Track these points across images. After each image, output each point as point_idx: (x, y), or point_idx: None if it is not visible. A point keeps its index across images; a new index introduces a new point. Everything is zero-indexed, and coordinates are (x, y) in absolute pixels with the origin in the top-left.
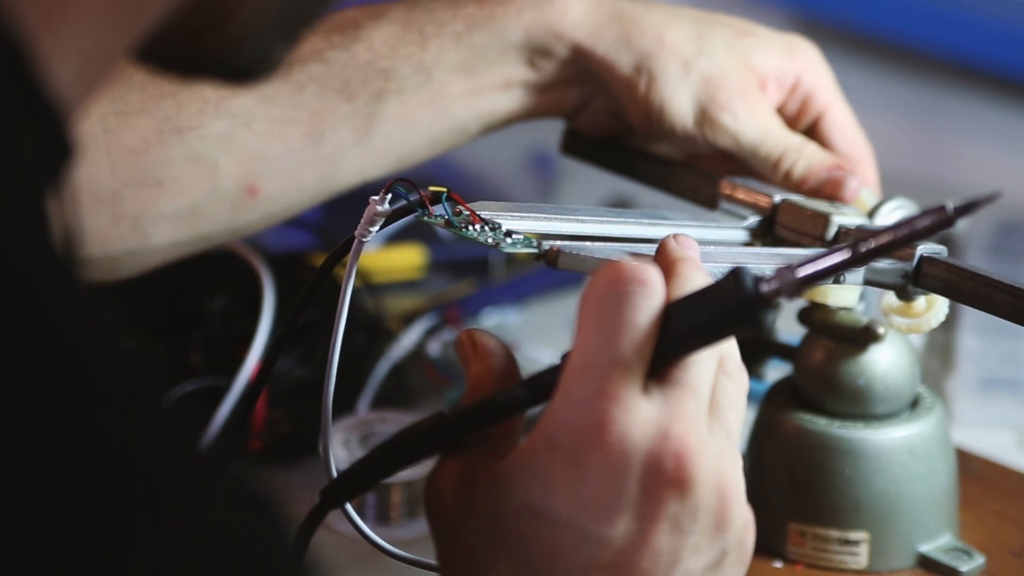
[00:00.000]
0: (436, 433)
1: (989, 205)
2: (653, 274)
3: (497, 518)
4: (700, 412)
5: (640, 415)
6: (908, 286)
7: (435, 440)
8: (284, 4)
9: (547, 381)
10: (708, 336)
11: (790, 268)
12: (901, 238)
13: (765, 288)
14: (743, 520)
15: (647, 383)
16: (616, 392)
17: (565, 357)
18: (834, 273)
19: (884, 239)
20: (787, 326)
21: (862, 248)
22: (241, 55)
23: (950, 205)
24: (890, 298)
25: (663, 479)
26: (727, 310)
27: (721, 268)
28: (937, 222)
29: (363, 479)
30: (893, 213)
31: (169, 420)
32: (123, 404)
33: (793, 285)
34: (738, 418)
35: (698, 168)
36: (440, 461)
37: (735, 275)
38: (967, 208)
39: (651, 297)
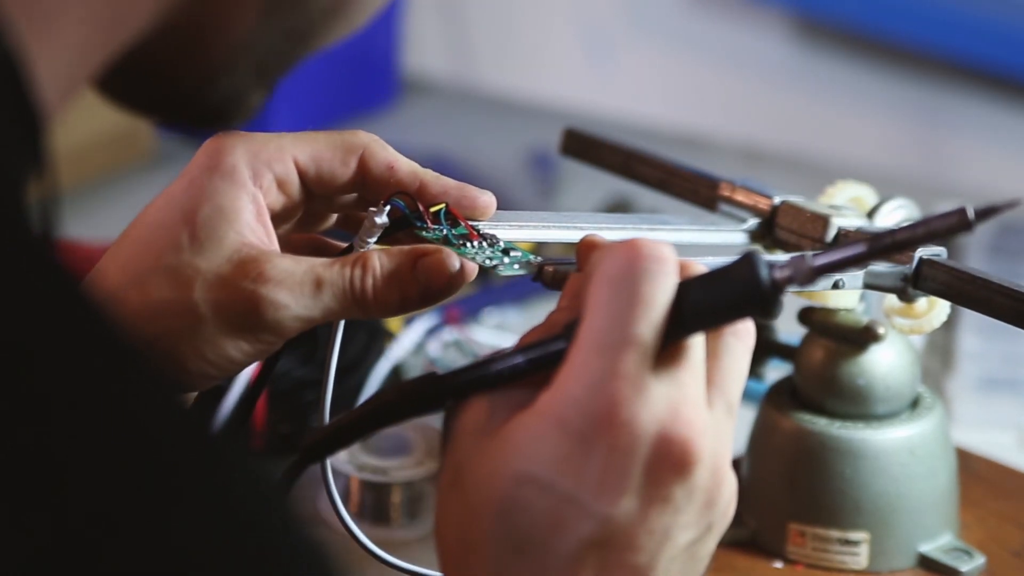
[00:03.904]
0: (425, 394)
1: (1009, 211)
2: (670, 252)
3: (496, 479)
4: (701, 389)
5: (651, 396)
6: (908, 289)
7: (423, 401)
8: (257, 41)
9: (549, 352)
10: (718, 318)
11: (804, 257)
12: (918, 236)
13: (778, 274)
14: (730, 494)
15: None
16: (629, 372)
17: (568, 328)
18: (848, 266)
19: (901, 236)
20: (787, 326)
21: (877, 243)
22: (212, 93)
23: (970, 209)
24: (891, 299)
25: (669, 463)
26: (740, 294)
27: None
28: (956, 224)
29: (346, 435)
30: (893, 213)
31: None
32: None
33: (806, 274)
34: (741, 385)
35: (697, 170)
36: (473, 399)
37: (749, 259)
38: (986, 213)
39: (668, 275)
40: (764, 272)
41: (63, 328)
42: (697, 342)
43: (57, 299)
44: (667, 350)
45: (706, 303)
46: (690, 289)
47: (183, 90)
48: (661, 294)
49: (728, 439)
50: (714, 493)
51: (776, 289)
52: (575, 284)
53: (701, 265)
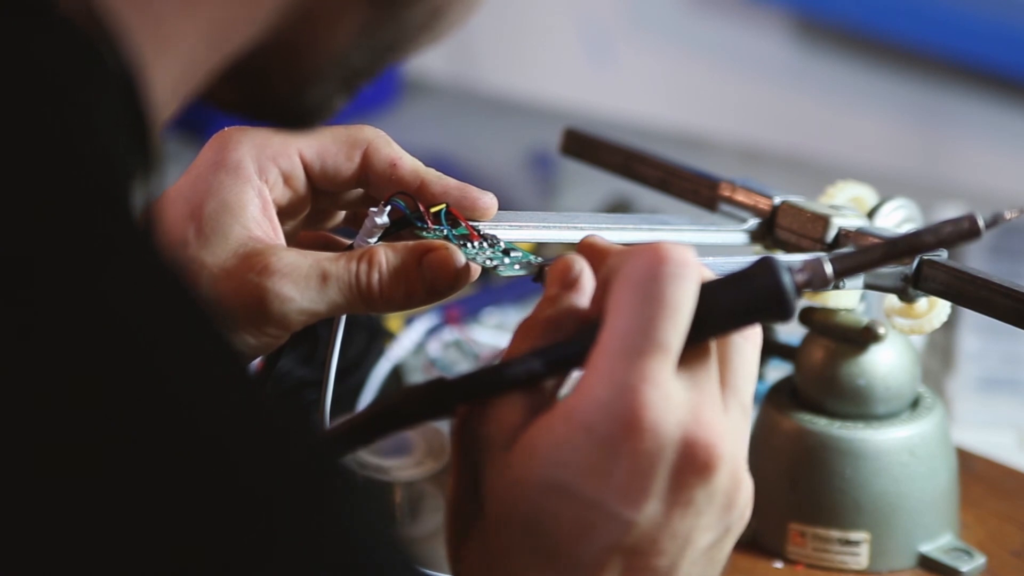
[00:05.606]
0: (434, 399)
1: (1016, 219)
2: (692, 255)
3: (522, 487)
4: (717, 392)
5: (674, 400)
6: (908, 289)
7: (432, 406)
8: (352, 54)
9: (567, 355)
10: (737, 322)
11: (820, 260)
12: (930, 242)
13: (797, 278)
14: (747, 496)
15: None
16: (655, 376)
17: (583, 332)
18: (864, 270)
19: (916, 241)
20: (787, 326)
21: (893, 248)
22: (304, 99)
23: (980, 216)
24: (892, 299)
25: (693, 466)
26: (762, 299)
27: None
28: (967, 231)
29: (352, 439)
30: (893, 213)
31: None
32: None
33: (824, 278)
34: (752, 385)
35: (697, 170)
36: (492, 404)
37: (769, 264)
38: (995, 221)
39: (692, 279)
40: (786, 277)
41: (167, 312)
42: (712, 345)
43: (163, 291)
44: (685, 353)
45: (727, 307)
46: (710, 293)
47: (275, 96)
48: (686, 298)
49: (744, 441)
50: (733, 495)
51: (795, 293)
52: (560, 271)
53: (707, 268)
